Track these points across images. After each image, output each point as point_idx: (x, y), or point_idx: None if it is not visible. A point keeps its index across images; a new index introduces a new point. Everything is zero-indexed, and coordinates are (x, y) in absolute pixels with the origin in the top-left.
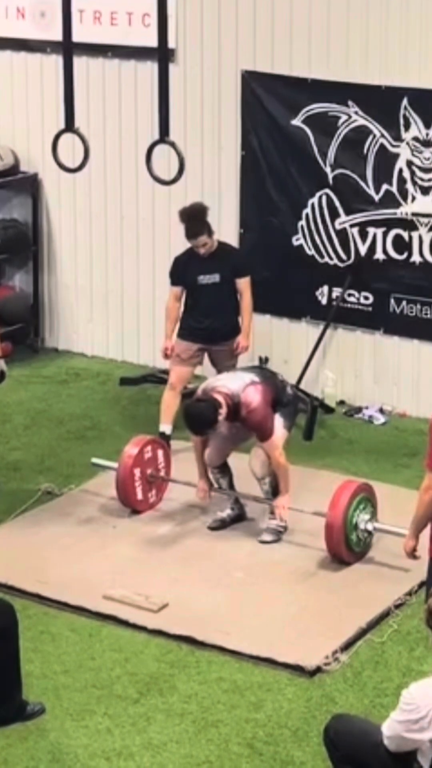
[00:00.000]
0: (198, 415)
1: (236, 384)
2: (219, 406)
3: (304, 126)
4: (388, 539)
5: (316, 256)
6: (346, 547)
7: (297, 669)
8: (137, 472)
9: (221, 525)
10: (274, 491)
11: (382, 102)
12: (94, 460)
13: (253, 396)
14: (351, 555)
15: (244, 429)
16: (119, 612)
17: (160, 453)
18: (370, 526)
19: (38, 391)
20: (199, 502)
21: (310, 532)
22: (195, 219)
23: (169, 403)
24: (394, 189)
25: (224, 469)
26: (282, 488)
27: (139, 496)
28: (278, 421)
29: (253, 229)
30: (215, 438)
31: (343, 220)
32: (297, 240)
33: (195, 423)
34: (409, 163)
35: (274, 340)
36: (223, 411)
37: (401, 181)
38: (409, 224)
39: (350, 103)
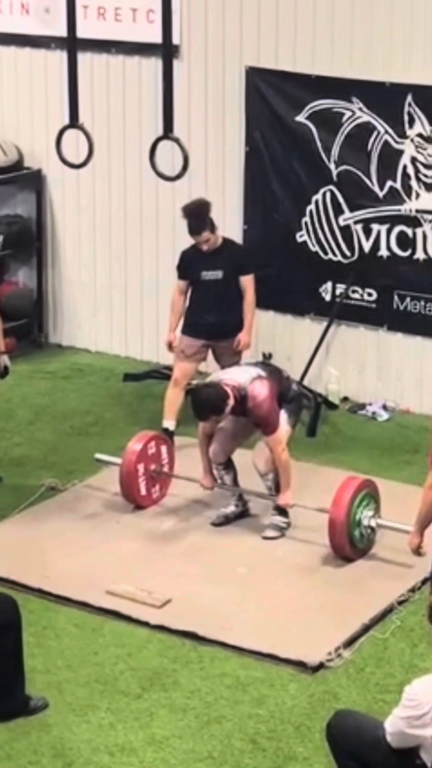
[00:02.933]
0: (206, 399)
1: (243, 377)
2: (227, 396)
3: (308, 122)
4: (391, 535)
5: (320, 253)
6: (349, 544)
7: (300, 665)
8: (141, 467)
9: (225, 521)
10: (278, 487)
11: (386, 98)
12: (98, 455)
13: (260, 389)
14: (354, 551)
15: (248, 424)
16: (122, 607)
17: (163, 449)
18: (373, 523)
19: (42, 386)
20: (202, 496)
21: (314, 529)
22: (197, 215)
23: (173, 398)
24: (398, 186)
25: (228, 466)
26: (283, 484)
27: (143, 491)
28: (283, 418)
29: (256, 226)
30: (220, 434)
31: (347, 217)
32: (301, 236)
33: (202, 407)
34: (414, 160)
35: (278, 336)
36: (231, 402)
37: (405, 177)
38: (413, 221)
39: (354, 99)
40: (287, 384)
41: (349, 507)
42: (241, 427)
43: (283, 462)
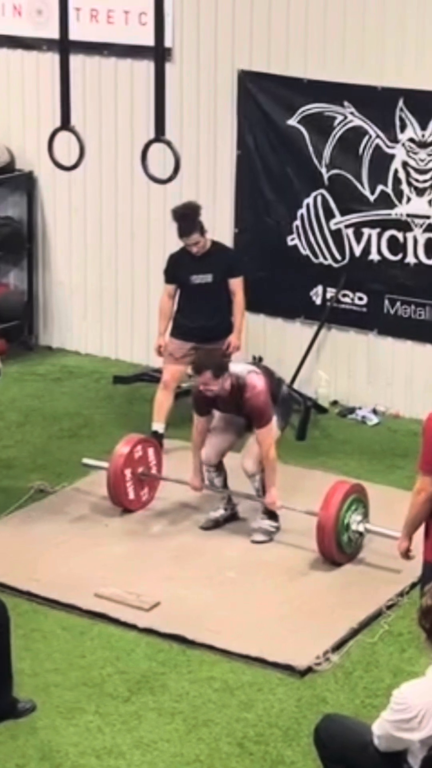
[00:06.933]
0: (208, 355)
1: (240, 368)
2: (228, 359)
3: (299, 126)
4: (379, 540)
5: (311, 257)
6: (338, 548)
7: (288, 669)
8: (128, 472)
9: (214, 525)
10: (265, 488)
11: (378, 103)
12: (85, 460)
13: (258, 380)
14: (342, 555)
15: (240, 426)
16: (110, 610)
17: (150, 452)
18: (361, 527)
19: (32, 388)
20: (191, 499)
21: (302, 532)
22: (187, 218)
23: (162, 401)
24: (389, 190)
25: (219, 468)
26: (268, 483)
27: (131, 495)
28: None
29: (247, 229)
30: (212, 436)
31: (338, 221)
32: (292, 240)
33: (204, 363)
34: (405, 164)
35: (268, 339)
36: (228, 383)
37: (396, 182)
38: (403, 225)
39: (346, 103)
40: (278, 385)
41: (338, 511)
42: (234, 428)
43: (271, 459)
